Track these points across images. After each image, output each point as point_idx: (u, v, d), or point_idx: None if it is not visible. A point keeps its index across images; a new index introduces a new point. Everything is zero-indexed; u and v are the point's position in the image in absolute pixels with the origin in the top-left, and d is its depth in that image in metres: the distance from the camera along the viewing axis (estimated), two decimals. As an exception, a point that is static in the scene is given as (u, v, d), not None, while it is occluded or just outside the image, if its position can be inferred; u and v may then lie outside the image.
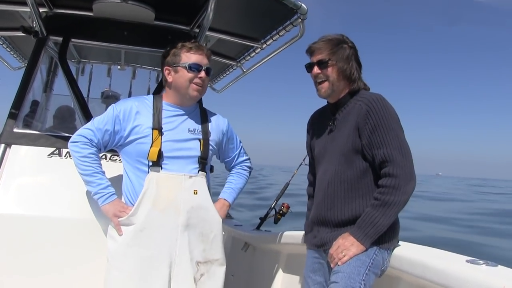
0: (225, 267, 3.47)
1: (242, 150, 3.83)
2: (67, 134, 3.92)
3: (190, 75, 3.32)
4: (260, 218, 5.22)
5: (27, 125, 4.48)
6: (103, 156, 3.83)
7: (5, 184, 3.76)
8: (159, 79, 4.01)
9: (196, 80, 3.34)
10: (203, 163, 3.41)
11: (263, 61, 5.88)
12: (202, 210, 3.36)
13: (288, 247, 4.34)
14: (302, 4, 4.29)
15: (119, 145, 3.39)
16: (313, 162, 3.39)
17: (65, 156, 3.89)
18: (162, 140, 3.30)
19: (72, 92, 4.57)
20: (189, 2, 4.66)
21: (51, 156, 3.91)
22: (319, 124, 3.29)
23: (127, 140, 3.34)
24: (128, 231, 3.24)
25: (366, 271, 2.77)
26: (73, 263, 3.59)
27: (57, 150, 3.92)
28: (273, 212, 5.11)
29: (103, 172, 3.38)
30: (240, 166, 3.83)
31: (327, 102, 3.23)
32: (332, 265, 2.87)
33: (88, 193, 3.44)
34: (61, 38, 4.79)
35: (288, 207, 5.04)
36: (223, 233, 3.54)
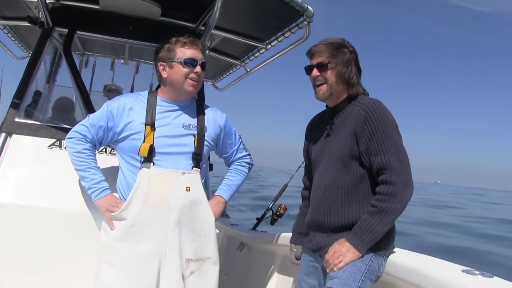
0: (218, 266, 3.45)
1: (241, 146, 3.80)
2: (68, 126, 3.93)
3: (186, 70, 3.31)
4: (257, 219, 5.22)
5: (28, 115, 4.48)
6: (104, 150, 3.84)
7: (4, 173, 3.76)
8: (158, 76, 4.02)
9: (192, 75, 3.33)
10: (198, 159, 3.38)
11: (267, 61, 5.88)
12: (194, 208, 3.34)
13: (283, 248, 4.33)
14: (309, 7, 4.29)
15: (113, 141, 3.41)
16: (309, 166, 3.39)
17: (65, 148, 3.88)
18: (154, 136, 3.29)
19: (75, 84, 4.57)
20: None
21: (52, 148, 3.92)
22: (317, 128, 3.29)
23: (120, 136, 3.35)
24: (120, 226, 3.25)
25: (362, 278, 2.77)
26: (69, 254, 3.59)
27: (58, 142, 3.92)
28: (270, 213, 5.11)
29: (97, 167, 3.39)
30: (239, 162, 3.80)
31: (326, 106, 3.23)
32: (327, 270, 2.87)
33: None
34: (66, 30, 4.79)
35: (285, 209, 5.03)
36: (217, 231, 3.53)
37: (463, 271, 2.56)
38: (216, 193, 3.67)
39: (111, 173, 3.46)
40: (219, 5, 4.15)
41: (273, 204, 5.19)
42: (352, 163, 2.94)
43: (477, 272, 2.53)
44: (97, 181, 3.34)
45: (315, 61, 3.09)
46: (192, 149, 3.37)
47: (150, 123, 3.30)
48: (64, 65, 5.81)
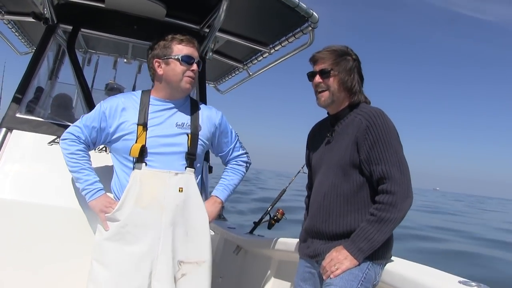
0: (210, 269, 3.41)
1: (237, 144, 3.74)
2: (69, 123, 3.93)
3: (183, 67, 3.29)
4: (254, 223, 5.22)
5: (30, 111, 4.48)
6: (104, 149, 3.83)
7: (3, 168, 3.76)
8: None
9: (189, 73, 3.31)
10: (191, 159, 3.34)
11: (270, 66, 5.88)
12: (187, 209, 3.30)
13: (280, 253, 4.33)
14: (314, 13, 4.29)
15: (107, 141, 3.39)
16: (311, 174, 3.38)
17: None
18: (147, 136, 3.26)
19: (77, 81, 4.57)
20: (201, 1, 4.67)
21: (51, 144, 3.91)
22: (318, 135, 3.28)
23: (113, 137, 3.32)
24: (113, 226, 3.24)
25: (359, 286, 2.76)
26: (66, 251, 3.58)
27: (58, 139, 3.91)
28: (267, 217, 5.11)
29: (91, 168, 3.37)
30: (235, 161, 3.74)
31: (327, 113, 3.22)
32: (324, 277, 2.86)
33: None
34: (70, 27, 4.79)
35: (283, 213, 5.03)
36: (213, 233, 3.51)
37: (459, 282, 2.55)
38: (212, 194, 3.64)
39: (110, 173, 3.45)
40: (224, 7, 4.16)
41: (271, 209, 5.19)
42: (352, 171, 2.93)
43: (473, 283, 2.52)
44: (90, 182, 3.33)
45: (317, 67, 3.08)
46: (185, 148, 3.33)
47: (142, 123, 3.28)
48: (67, 62, 5.82)
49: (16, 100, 4.14)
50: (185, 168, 3.32)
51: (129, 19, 4.89)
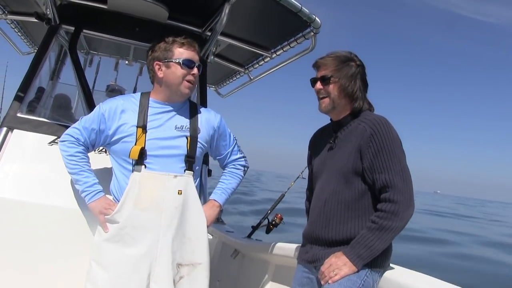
0: (208, 272, 3.41)
1: (236, 148, 3.73)
2: (69, 124, 3.94)
3: (183, 71, 3.28)
4: (252, 227, 5.22)
5: (31, 111, 4.49)
6: (103, 150, 3.83)
7: (3, 167, 3.76)
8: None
9: (189, 77, 3.30)
10: (190, 162, 3.34)
11: (271, 70, 5.89)
12: (186, 211, 3.30)
13: (277, 258, 4.33)
14: (316, 18, 4.29)
15: (106, 143, 3.39)
16: (312, 177, 3.38)
17: None
18: (146, 138, 3.25)
19: (78, 82, 4.57)
20: (203, 5, 4.67)
21: (52, 145, 3.91)
22: (320, 140, 3.28)
23: (113, 139, 3.32)
24: (112, 228, 3.24)
25: None
26: (65, 251, 3.58)
27: (58, 139, 3.92)
28: (265, 221, 5.11)
29: (91, 170, 3.37)
30: (233, 164, 3.74)
31: (330, 119, 3.22)
32: (322, 282, 2.86)
33: None
34: (73, 28, 4.80)
35: (281, 218, 5.03)
36: (211, 236, 3.50)
37: None
38: (210, 197, 3.63)
39: (109, 174, 3.45)
40: (226, 11, 4.16)
41: (269, 213, 5.19)
42: (354, 178, 2.93)
43: None
44: (90, 184, 3.32)
45: (319, 74, 3.08)
46: (184, 151, 3.33)
47: (142, 126, 3.27)
48: (68, 62, 5.83)
49: (18, 99, 4.14)
50: (184, 170, 3.32)
51: (131, 21, 4.89)
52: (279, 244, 4.16)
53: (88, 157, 3.40)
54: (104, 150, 3.84)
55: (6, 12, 5.88)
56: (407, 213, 2.78)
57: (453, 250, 23.04)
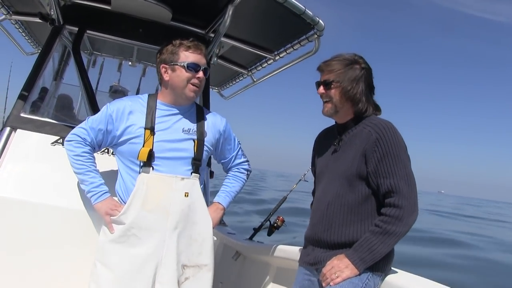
0: (212, 273, 3.42)
1: (240, 152, 3.77)
2: (72, 125, 3.94)
3: (188, 75, 3.28)
4: (254, 229, 5.23)
5: (34, 111, 4.49)
6: (106, 151, 3.83)
7: (6, 167, 3.76)
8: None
9: (194, 81, 3.30)
10: (197, 165, 3.36)
11: (274, 72, 5.87)
12: (192, 213, 3.32)
13: (278, 260, 4.33)
14: (320, 20, 4.28)
15: (113, 144, 3.39)
16: (316, 180, 3.38)
17: None
18: (154, 140, 3.26)
19: (82, 83, 4.58)
20: (207, 6, 4.67)
21: (55, 145, 3.91)
22: (324, 142, 3.27)
23: (120, 140, 3.32)
24: (118, 229, 3.23)
25: None
26: (67, 251, 3.59)
27: (61, 139, 3.91)
28: (267, 224, 5.12)
29: (97, 171, 3.37)
30: (237, 168, 3.77)
31: (335, 122, 3.22)
32: (324, 284, 2.85)
33: None
34: (76, 28, 4.81)
35: (283, 221, 5.05)
36: (215, 238, 3.51)
37: None
38: (214, 200, 3.64)
39: (112, 175, 3.46)
40: (230, 13, 4.16)
41: (271, 215, 5.20)
42: (358, 182, 2.92)
43: None
44: (96, 185, 3.32)
45: (322, 78, 3.08)
46: (191, 154, 3.34)
47: (150, 127, 3.28)
48: (72, 63, 5.83)
49: (21, 99, 4.14)
50: (191, 173, 3.34)
51: (135, 22, 4.89)
52: (280, 247, 4.17)
53: (94, 157, 3.40)
54: (106, 150, 3.84)
55: (11, 12, 5.88)
56: (411, 219, 2.78)
57: (475, 253, 22.82)
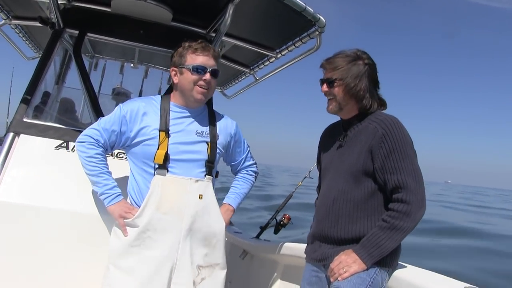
0: (225, 272, 3.46)
1: (249, 155, 3.80)
2: (76, 128, 3.93)
3: (194, 77, 3.28)
4: (261, 227, 5.23)
5: (37, 116, 4.49)
6: (110, 154, 3.83)
7: (11, 172, 3.76)
8: (171, 81, 4.01)
9: (201, 83, 3.29)
10: (210, 167, 3.37)
11: (277, 70, 5.87)
12: (206, 215, 3.32)
13: (286, 258, 4.34)
14: (321, 17, 4.27)
15: (126, 146, 3.37)
16: (321, 176, 3.37)
17: (72, 149, 3.89)
18: (169, 143, 3.27)
19: (84, 86, 4.57)
20: (207, 6, 4.66)
21: (59, 149, 3.91)
22: (330, 138, 3.26)
23: (133, 141, 3.31)
24: (132, 231, 3.22)
25: None
26: (72, 255, 3.59)
27: (65, 143, 3.91)
28: (273, 222, 5.12)
29: (110, 173, 3.36)
30: (246, 171, 3.81)
31: (340, 117, 3.20)
32: (331, 279, 2.85)
33: (91, 188, 3.43)
34: (77, 32, 4.80)
35: (289, 219, 5.05)
36: (226, 238, 3.53)
37: None
38: (224, 201, 3.67)
39: (117, 178, 3.45)
40: (230, 12, 4.15)
41: (277, 213, 5.20)
42: (364, 178, 2.92)
43: None
44: (110, 187, 3.31)
45: (325, 75, 3.07)
46: (205, 156, 3.36)
47: (165, 129, 3.27)
48: (73, 66, 5.83)
49: (24, 104, 4.14)
50: (205, 175, 3.35)
51: (135, 24, 4.89)
52: (287, 244, 4.17)
53: (106, 159, 3.39)
54: (110, 153, 3.83)
55: (10, 17, 5.88)
56: (419, 214, 2.78)
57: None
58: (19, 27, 6.54)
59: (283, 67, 5.67)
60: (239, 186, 3.76)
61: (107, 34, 5.05)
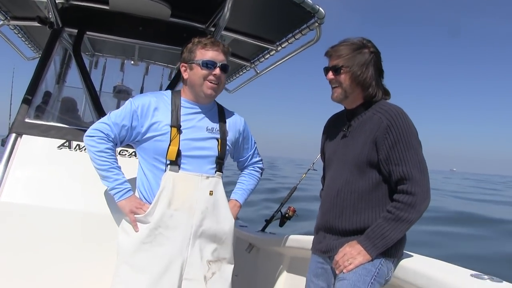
0: (233, 266, 3.48)
1: (256, 151, 3.81)
2: (78, 127, 3.93)
3: (204, 72, 3.27)
4: (266, 220, 5.23)
5: (38, 116, 4.50)
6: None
7: (14, 173, 3.77)
8: (172, 76, 3.98)
9: (210, 77, 3.28)
10: (220, 163, 3.38)
11: (277, 63, 5.86)
12: (216, 211, 3.34)
13: (292, 250, 4.34)
14: (320, 8, 4.25)
15: (136, 141, 3.35)
16: (325, 167, 3.37)
17: (74, 148, 3.90)
18: (180, 139, 3.26)
19: (84, 85, 4.57)
20: (206, 0, 4.65)
21: (61, 148, 3.92)
22: (334, 128, 3.25)
23: (144, 137, 3.29)
24: (143, 228, 3.22)
25: (372, 280, 2.76)
26: (78, 255, 3.59)
27: (67, 142, 3.92)
28: (279, 214, 5.12)
29: (120, 167, 3.34)
30: (253, 167, 3.82)
31: (344, 107, 3.19)
32: (337, 272, 2.86)
33: (96, 187, 3.43)
34: (76, 30, 4.80)
35: (294, 211, 5.05)
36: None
37: (471, 275, 2.57)
38: (231, 197, 3.67)
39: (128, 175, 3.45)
40: (229, 6, 4.14)
41: (282, 206, 5.20)
42: (368, 169, 2.91)
43: (486, 276, 2.54)
44: (120, 182, 3.29)
45: (331, 63, 3.05)
46: (215, 153, 3.36)
47: (176, 125, 3.26)
48: (74, 65, 5.83)
49: (25, 105, 4.14)
50: (215, 172, 3.35)
51: (134, 21, 4.88)
52: (292, 236, 4.17)
53: (115, 153, 3.37)
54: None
55: (9, 18, 5.88)
56: (424, 206, 2.78)
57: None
58: (17, 27, 6.54)
59: (283, 60, 5.66)
60: (246, 182, 3.77)
61: (106, 32, 5.04)
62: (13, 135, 3.95)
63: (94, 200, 3.54)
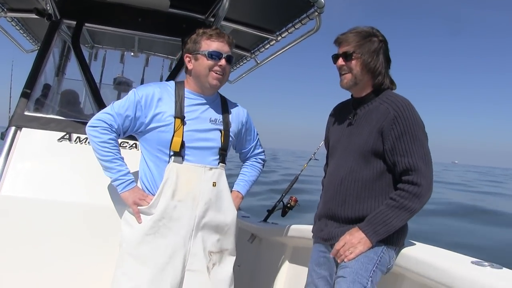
0: (235, 257, 3.48)
1: (258, 143, 3.80)
2: (78, 119, 3.92)
3: (210, 62, 3.25)
4: (268, 211, 5.23)
5: (38, 109, 4.49)
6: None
7: (14, 166, 3.77)
8: (172, 67, 3.96)
9: (216, 68, 3.27)
10: (223, 155, 3.38)
11: (278, 53, 5.85)
12: (219, 202, 3.34)
13: (294, 240, 4.35)
14: None
15: (139, 131, 3.34)
16: (328, 155, 3.36)
17: (75, 141, 3.89)
18: (184, 130, 3.25)
19: (84, 77, 4.55)
20: None
21: (61, 141, 3.91)
22: (339, 116, 3.25)
23: (148, 128, 3.28)
24: (146, 219, 3.22)
25: (374, 268, 2.77)
26: (80, 248, 3.59)
27: (67, 135, 3.91)
28: (281, 204, 5.12)
29: (123, 158, 3.32)
30: (255, 158, 3.81)
31: (351, 95, 3.19)
32: (338, 261, 2.87)
33: (97, 179, 3.42)
34: (74, 22, 4.77)
35: (296, 201, 5.05)
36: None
37: (472, 262, 2.59)
38: (233, 188, 3.67)
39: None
40: None
41: (284, 196, 5.20)
42: (373, 158, 2.91)
43: (486, 263, 2.56)
44: (124, 173, 3.28)
45: (341, 50, 3.04)
46: (218, 144, 3.35)
47: (180, 116, 3.25)
48: (73, 58, 5.81)
49: (24, 98, 4.13)
50: (218, 163, 3.35)
51: (133, 12, 4.85)
52: (294, 226, 4.17)
53: (118, 144, 3.34)
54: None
55: (5, 9, 5.85)
56: (427, 197, 2.80)
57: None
58: (15, 19, 6.52)
59: (284, 50, 5.65)
60: (248, 173, 3.77)
61: (105, 24, 5.02)
62: (13, 128, 3.94)
63: (95, 192, 3.54)
